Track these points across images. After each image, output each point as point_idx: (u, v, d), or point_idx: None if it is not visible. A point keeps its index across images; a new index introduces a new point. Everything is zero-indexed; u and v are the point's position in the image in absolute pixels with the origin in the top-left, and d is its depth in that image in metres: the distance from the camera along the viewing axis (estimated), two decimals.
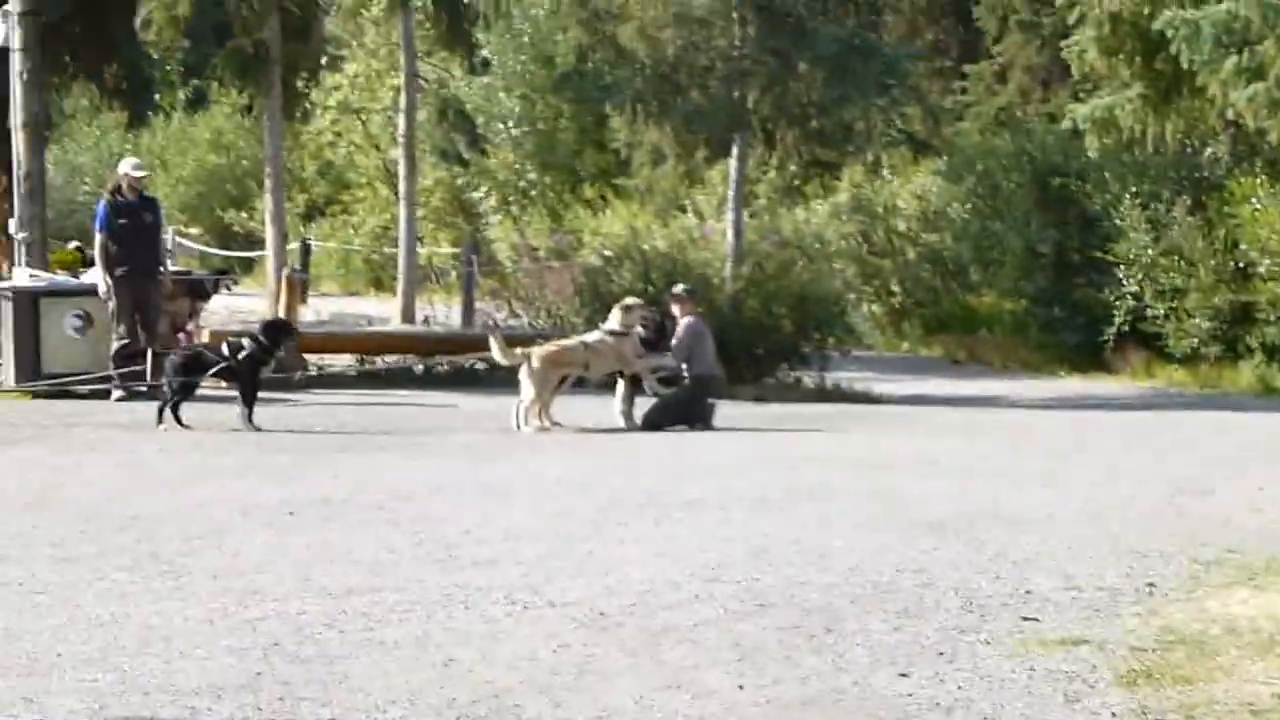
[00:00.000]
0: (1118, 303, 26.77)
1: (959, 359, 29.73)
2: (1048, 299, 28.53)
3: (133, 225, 19.27)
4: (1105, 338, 27.09)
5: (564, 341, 18.27)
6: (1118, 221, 26.86)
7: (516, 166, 41.91)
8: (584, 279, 24.90)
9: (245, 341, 17.05)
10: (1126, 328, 26.84)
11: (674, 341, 17.98)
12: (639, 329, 17.82)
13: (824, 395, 23.24)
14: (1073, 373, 27.50)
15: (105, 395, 18.83)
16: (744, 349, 23.11)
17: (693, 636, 7.63)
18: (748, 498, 11.76)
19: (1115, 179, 27.46)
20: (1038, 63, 40.20)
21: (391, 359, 23.43)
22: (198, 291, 21.79)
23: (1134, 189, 26.97)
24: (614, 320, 17.79)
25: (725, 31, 26.25)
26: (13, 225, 22.49)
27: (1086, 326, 27.57)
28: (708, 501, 11.61)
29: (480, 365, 21.56)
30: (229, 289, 24.67)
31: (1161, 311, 26.51)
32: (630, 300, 18.53)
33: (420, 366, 22.77)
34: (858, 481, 12.67)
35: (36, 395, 19.04)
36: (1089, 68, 25.57)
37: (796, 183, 35.17)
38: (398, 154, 32.79)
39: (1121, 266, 26.80)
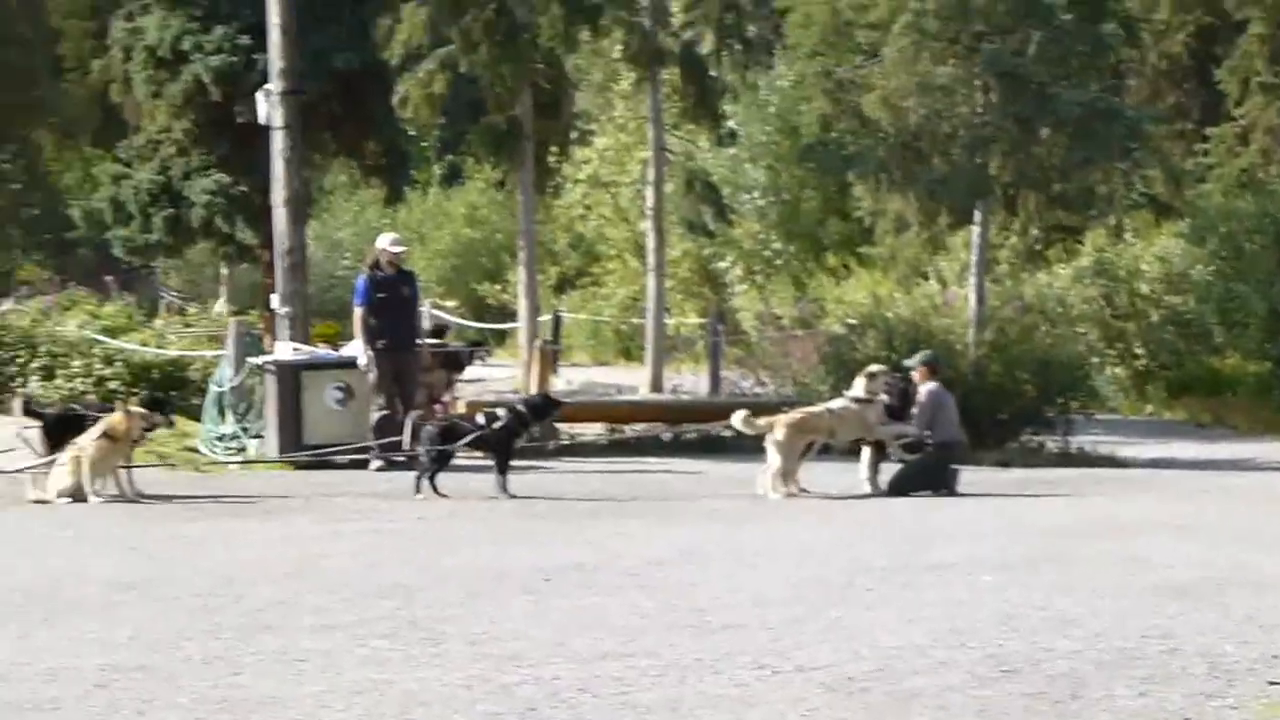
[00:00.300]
0: None
1: (1204, 422, 29.22)
2: None
3: (391, 299, 19.71)
4: None
5: (809, 408, 18.38)
6: None
7: (761, 236, 42.13)
8: (828, 347, 25.00)
9: (500, 411, 17.42)
10: None
11: (917, 408, 18.00)
12: (883, 396, 17.91)
13: (1068, 459, 23.05)
14: None
15: (364, 465, 19.33)
16: (987, 414, 22.99)
17: (939, 702, 7.69)
18: (992, 563, 11.80)
19: None
20: None
21: (640, 427, 23.71)
22: (453, 363, 22.25)
23: None
24: (858, 387, 17.89)
25: (967, 99, 26.25)
26: (275, 300, 22.79)
27: None
28: (953, 567, 11.67)
29: (727, 432, 21.68)
30: (483, 360, 25.13)
31: None
32: (875, 367, 18.63)
33: (668, 434, 22.98)
34: (1102, 546, 12.64)
35: (298, 466, 19.54)
36: None
37: (1039, 247, 34.93)
38: (646, 226, 33.16)
39: None
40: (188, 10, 29.23)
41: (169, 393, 21.27)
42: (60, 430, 16.91)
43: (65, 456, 16.13)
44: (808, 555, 12.44)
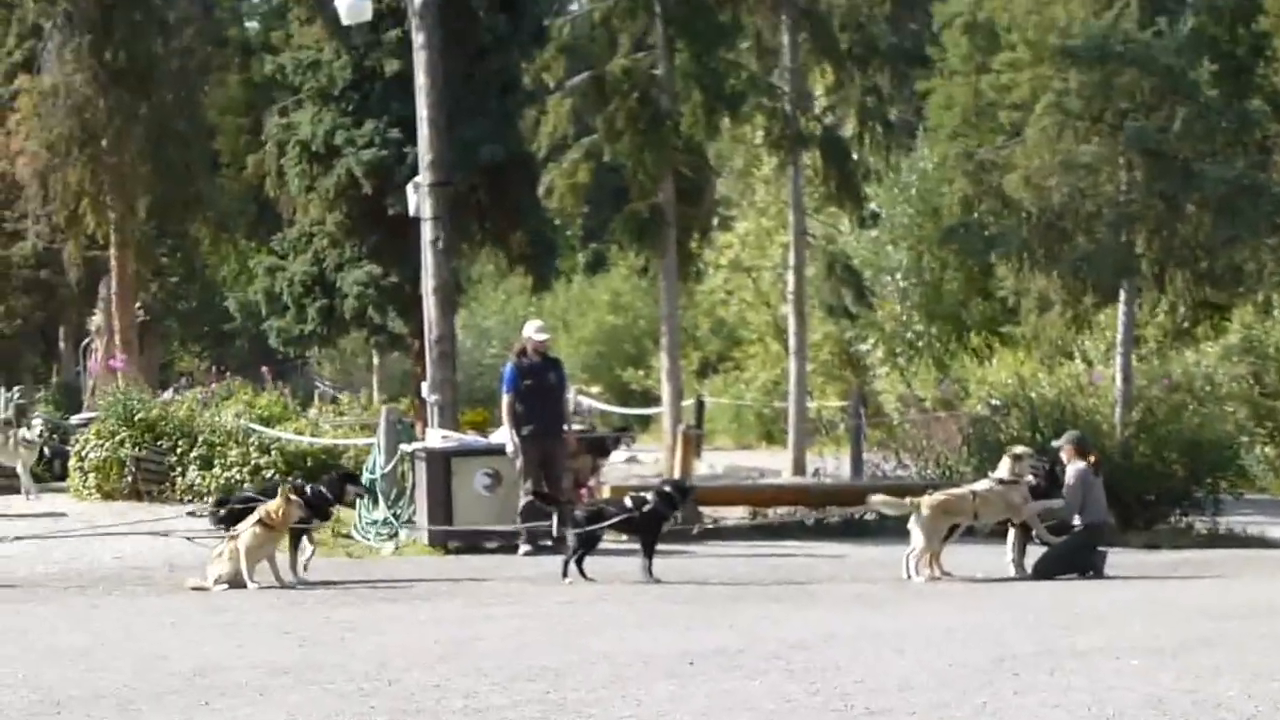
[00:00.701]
0: None
1: None
2: None
3: (538, 385, 19.94)
4: None
5: (953, 490, 18.33)
6: None
7: (903, 318, 42.12)
8: (971, 428, 24.92)
9: (647, 495, 17.57)
10: None
11: (1065, 489, 17.92)
12: (1029, 478, 17.85)
13: (1217, 540, 22.82)
14: None
15: (513, 550, 19.59)
16: (1135, 495, 22.85)
17: None
18: (1141, 647, 11.72)
19: None
20: None
21: (783, 510, 23.75)
22: (599, 448, 22.44)
23: None
24: (1003, 469, 17.85)
25: (1111, 177, 26.20)
26: (425, 388, 23.16)
27: None
28: (1101, 651, 11.60)
29: (870, 515, 21.71)
30: (628, 445, 25.29)
31: None
32: (1020, 449, 18.58)
33: (811, 518, 23.02)
34: (1252, 629, 12.53)
35: (449, 550, 19.87)
36: None
37: (1185, 325, 34.60)
38: (787, 310, 33.26)
39: None
40: (339, 106, 29.80)
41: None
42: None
43: (224, 545, 16.46)
44: (952, 639, 12.42)
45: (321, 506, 17.50)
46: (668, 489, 17.87)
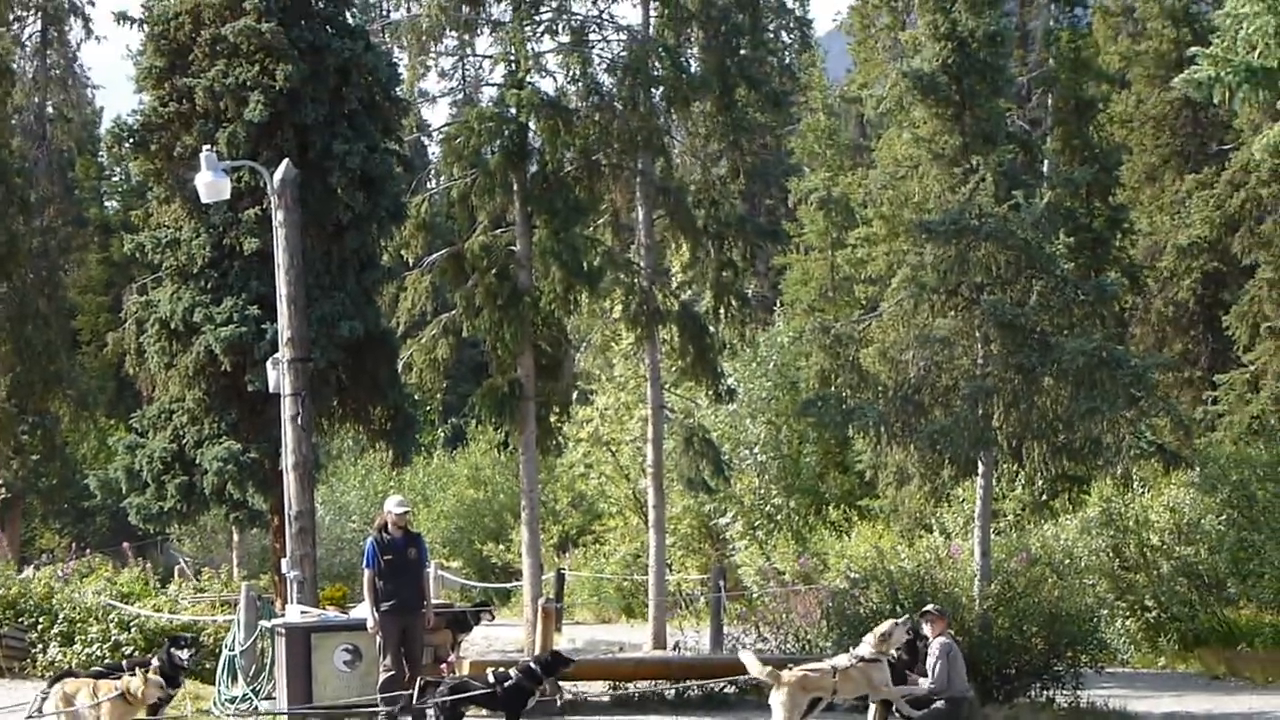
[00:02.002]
0: None
1: (1219, 674, 28.91)
2: None
3: (398, 561, 19.93)
4: None
5: (814, 666, 18.34)
6: None
7: (762, 491, 42.30)
8: (830, 602, 24.96)
9: (512, 671, 17.49)
10: None
11: (930, 663, 17.97)
12: (893, 652, 17.91)
13: (1078, 714, 22.84)
14: None
15: None
16: (994, 668, 22.85)
17: None
18: None
19: None
20: None
21: (644, 684, 23.51)
22: (459, 624, 22.30)
23: None
24: (867, 646, 17.90)
25: (968, 350, 26.40)
26: (285, 564, 23.09)
27: None
28: None
29: (730, 689, 21.71)
30: (488, 620, 25.20)
31: None
32: (885, 627, 18.58)
33: (672, 691, 22.93)
34: None
35: None
36: None
37: (1044, 498, 34.91)
38: (646, 483, 33.32)
39: None
40: (199, 283, 29.70)
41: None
42: None
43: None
44: None
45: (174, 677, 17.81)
46: (532, 664, 17.80)
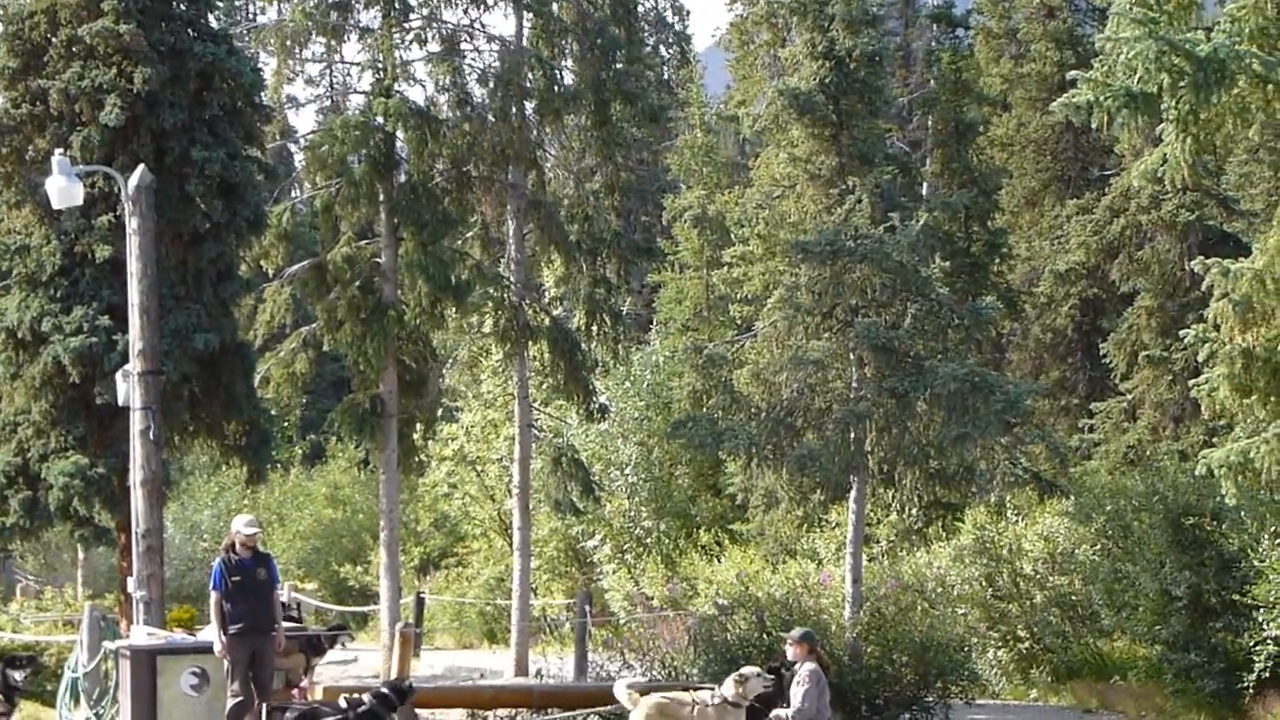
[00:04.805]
0: (1258, 648, 25.57)
1: (1091, 707, 28.60)
2: (1184, 644, 27.32)
3: (247, 582, 19.35)
4: (1245, 685, 25.93)
5: (675, 695, 18.18)
6: (1256, 563, 25.89)
7: (632, 514, 41.74)
8: (698, 628, 24.59)
9: (366, 697, 17.13)
10: (1268, 674, 25.65)
11: (801, 688, 17.65)
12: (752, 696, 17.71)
13: None
14: None
15: None
16: (864, 698, 22.70)
17: None
18: None
19: (1253, 519, 26.50)
20: (1169, 399, 39.13)
21: (504, 713, 23.01)
22: (312, 647, 21.70)
23: (1273, 529, 26.05)
24: (728, 689, 17.71)
25: (841, 373, 26.15)
26: (131, 584, 22.54)
27: (1225, 673, 26.29)
28: None
29: (594, 719, 21.30)
30: (344, 645, 24.52)
31: None
32: (746, 671, 18.38)
33: None
34: None
35: None
36: (1219, 407, 24.79)
37: (917, 525, 34.60)
38: (512, 504, 32.89)
39: (1261, 610, 25.73)
40: (48, 291, 28.70)
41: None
42: None
43: None
44: None
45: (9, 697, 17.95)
46: (385, 690, 17.41)
